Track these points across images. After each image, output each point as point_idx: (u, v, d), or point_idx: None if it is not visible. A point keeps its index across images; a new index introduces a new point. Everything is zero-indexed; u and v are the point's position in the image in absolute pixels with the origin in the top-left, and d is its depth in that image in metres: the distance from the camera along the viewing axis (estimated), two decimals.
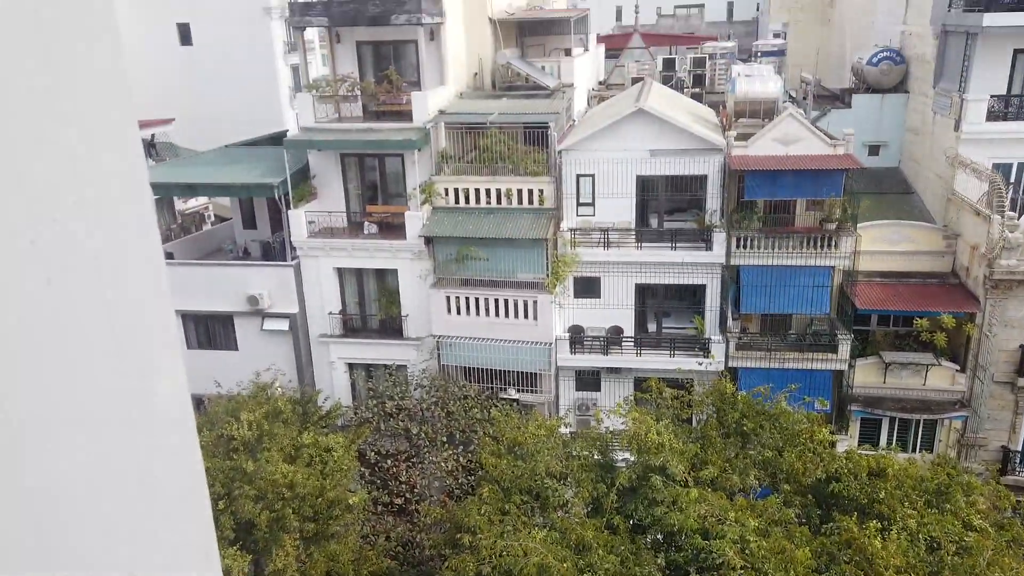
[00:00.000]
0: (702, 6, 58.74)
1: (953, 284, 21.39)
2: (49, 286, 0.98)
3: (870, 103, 27.38)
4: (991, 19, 21.49)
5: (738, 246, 21.22)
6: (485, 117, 22.44)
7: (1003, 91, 22.79)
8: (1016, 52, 22.50)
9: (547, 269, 21.74)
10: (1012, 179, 22.61)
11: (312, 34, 30.87)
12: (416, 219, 22.24)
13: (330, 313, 23.64)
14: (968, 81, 22.63)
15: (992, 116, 22.60)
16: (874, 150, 27.20)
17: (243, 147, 27.10)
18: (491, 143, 22.49)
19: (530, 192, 22.23)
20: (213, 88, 35.33)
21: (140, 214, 1.12)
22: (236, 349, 23.91)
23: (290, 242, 23.19)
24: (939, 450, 20.51)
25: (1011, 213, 20.51)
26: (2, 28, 0.89)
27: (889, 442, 20.92)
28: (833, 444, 16.39)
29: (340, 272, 23.61)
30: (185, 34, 36.52)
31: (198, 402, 21.24)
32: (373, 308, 24.00)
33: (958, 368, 20.94)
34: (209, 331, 24.09)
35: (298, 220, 22.83)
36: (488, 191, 22.37)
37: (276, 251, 24.75)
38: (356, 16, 22.47)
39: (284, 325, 23.51)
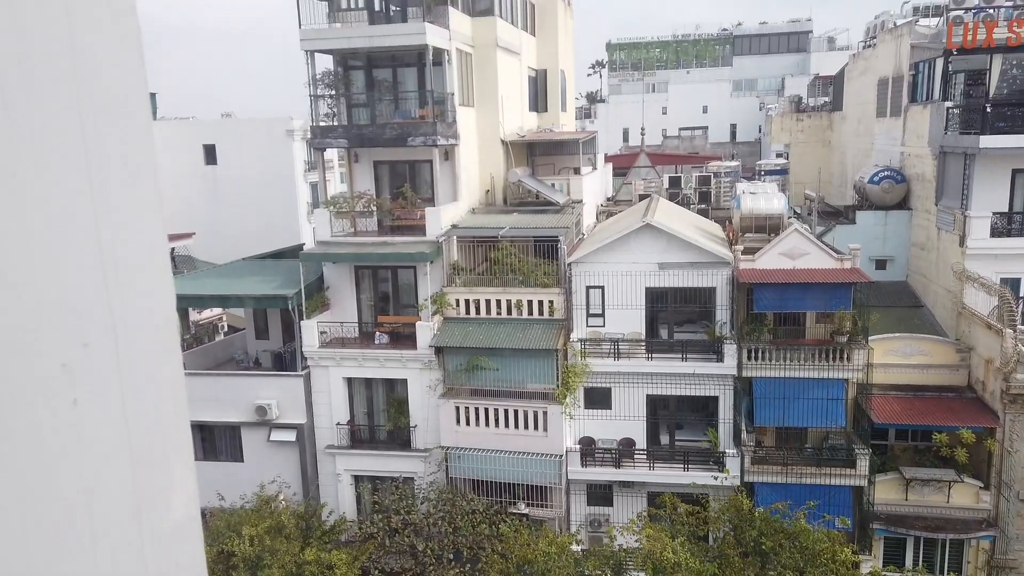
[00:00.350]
0: (706, 128, 61.39)
1: (970, 398, 21.05)
2: (75, 407, 1.01)
3: (874, 219, 27.97)
4: (988, 141, 22.24)
5: (749, 358, 21.13)
6: (496, 231, 23.04)
7: (1005, 208, 23.28)
8: (1015, 172, 23.14)
9: (557, 379, 21.64)
10: (1021, 294, 22.69)
11: (332, 154, 32.31)
12: (427, 329, 22.41)
13: (338, 424, 23.42)
14: (970, 199, 23.19)
15: (996, 232, 22.99)
16: (881, 264, 27.52)
17: (260, 260, 27.79)
18: (502, 256, 22.97)
19: (540, 303, 22.47)
20: (234, 204, 36.70)
21: (166, 334, 1.17)
22: (241, 460, 23.56)
23: (301, 352, 23.32)
24: (968, 572, 19.51)
25: (1023, 327, 20.45)
26: (46, 175, 0.96)
27: (915, 563, 19.96)
28: (856, 565, 15.67)
29: (349, 382, 23.58)
30: (210, 154, 38.32)
31: (200, 515, 20.68)
32: (381, 419, 23.77)
33: (982, 485, 20.26)
34: (215, 442, 23.84)
35: (310, 330, 23.05)
36: (499, 302, 22.65)
37: (287, 361, 24.85)
38: (375, 138, 23.59)
39: (291, 436, 23.27)
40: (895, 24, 33.47)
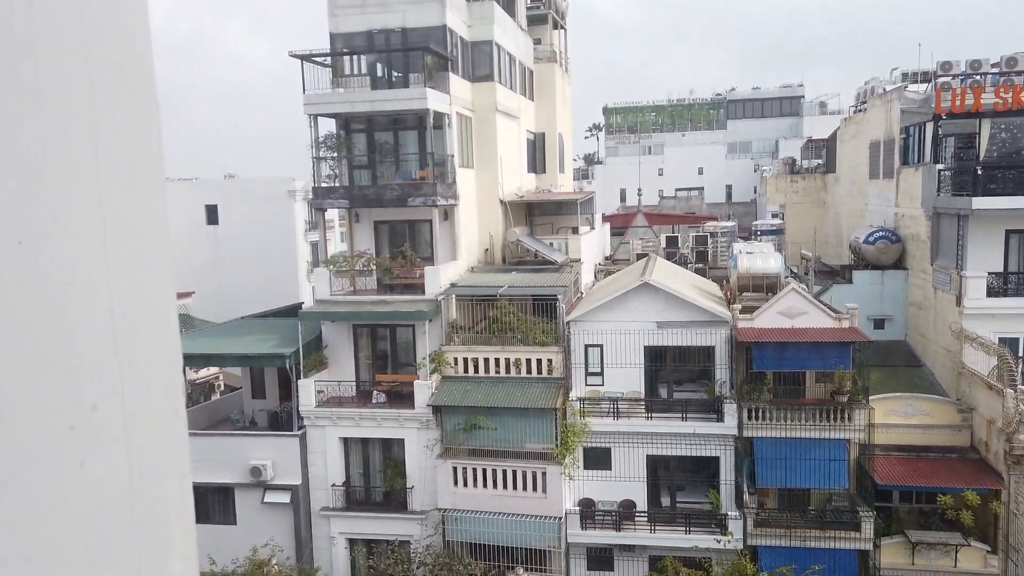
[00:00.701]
0: (702, 189, 62.33)
1: (973, 459, 20.78)
2: (82, 468, 1.02)
3: (871, 279, 28.12)
4: (980, 203, 22.53)
5: (750, 417, 20.95)
6: (495, 289, 23.14)
7: (1000, 268, 23.43)
8: (1008, 232, 23.37)
9: (556, 439, 21.40)
10: (1020, 353, 22.62)
11: (332, 213, 32.67)
12: (425, 388, 22.27)
13: (333, 485, 23.02)
14: (965, 259, 23.37)
15: (992, 292, 23.07)
16: (879, 324, 27.54)
17: (258, 319, 27.80)
18: (501, 314, 23.01)
19: (539, 362, 22.40)
20: (235, 263, 36.94)
21: (172, 396, 1.19)
22: (234, 523, 23.06)
23: (298, 411, 23.11)
24: None
25: (1023, 387, 20.34)
26: (62, 241, 1.00)
27: None
28: None
29: (346, 442, 23.29)
30: (212, 214, 38.74)
31: None
32: (377, 480, 23.39)
33: (989, 549, 19.82)
34: (207, 504, 23.38)
35: (307, 389, 22.89)
36: (497, 361, 22.57)
37: (283, 421, 24.59)
38: (376, 198, 23.93)
39: (286, 498, 22.84)
40: (884, 90, 34.33)
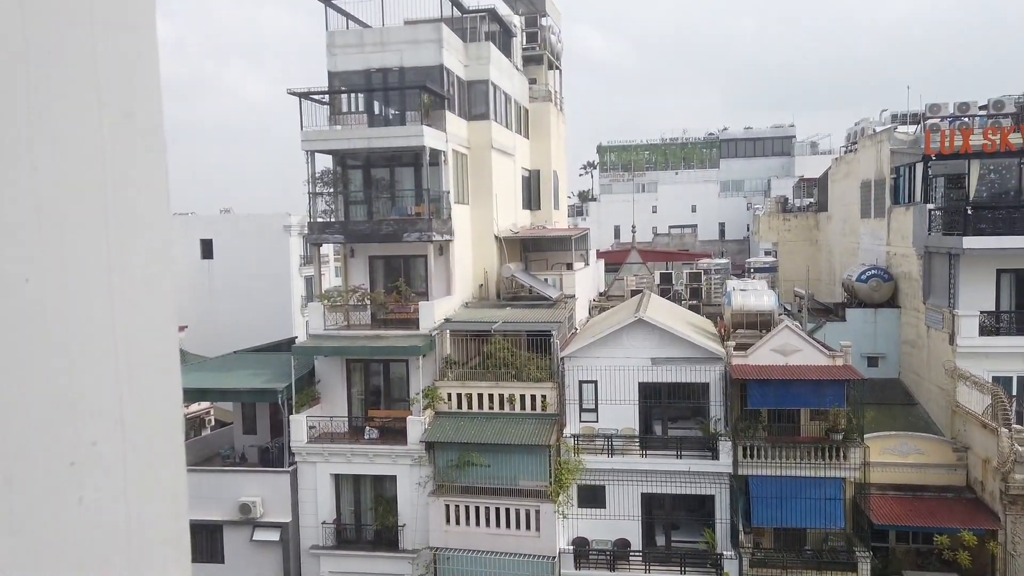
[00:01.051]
0: (695, 226, 62.83)
1: (970, 498, 20.64)
2: (80, 505, 1.02)
3: (864, 317, 28.20)
4: (971, 242, 22.72)
5: (745, 455, 20.82)
6: (490, 325, 23.13)
7: (992, 307, 23.55)
8: (999, 271, 23.54)
9: (551, 476, 21.19)
10: (1014, 392, 22.62)
11: (327, 248, 32.76)
12: (418, 424, 22.10)
13: (323, 523, 22.68)
14: (957, 298, 23.49)
15: (984, 331, 23.14)
16: (872, 362, 27.55)
17: (251, 353, 27.66)
18: (495, 349, 22.96)
19: (533, 398, 22.29)
20: (229, 297, 36.89)
21: (172, 433, 1.19)
22: (222, 562, 22.66)
23: (289, 447, 22.87)
24: None
25: (1018, 426, 20.28)
26: (69, 280, 1.01)
27: None
28: None
29: (337, 479, 23.01)
30: (207, 249, 38.79)
31: None
32: (369, 517, 23.06)
33: None
34: (195, 542, 22.90)
35: (299, 425, 22.69)
36: (491, 396, 22.46)
37: (274, 457, 24.32)
38: (371, 234, 24.04)
39: (275, 536, 22.48)
40: (874, 131, 34.85)
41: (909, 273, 27.16)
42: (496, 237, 28.01)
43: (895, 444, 21.58)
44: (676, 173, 67.05)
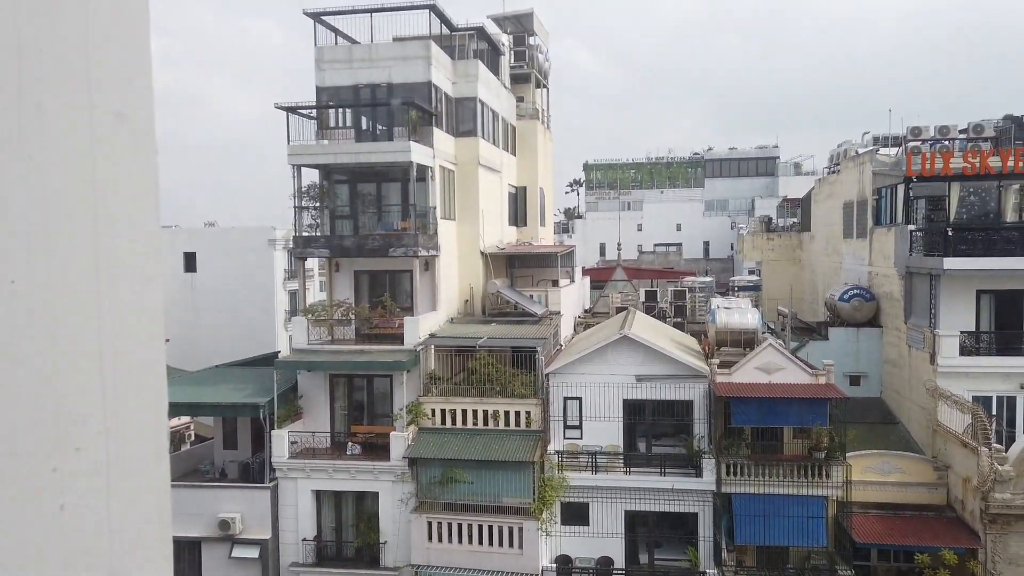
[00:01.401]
0: (680, 245, 63.27)
1: (950, 517, 20.76)
2: (62, 512, 1.01)
3: (846, 336, 28.43)
4: (951, 263, 22.99)
5: (728, 473, 20.84)
6: (475, 340, 23.10)
7: (972, 327, 23.81)
8: (979, 292, 23.84)
9: (534, 493, 21.09)
10: (994, 412, 22.84)
11: (312, 263, 32.63)
12: (401, 439, 21.96)
13: (304, 540, 22.42)
14: (938, 318, 23.73)
15: (965, 351, 23.38)
16: (855, 381, 27.74)
17: (233, 367, 27.42)
18: (480, 365, 22.91)
19: (517, 414, 22.23)
20: (212, 311, 36.60)
21: (156, 442, 1.17)
22: None
23: (270, 463, 22.63)
24: None
25: (998, 446, 20.46)
26: (57, 290, 1.01)
27: None
28: None
29: (318, 495, 22.78)
30: (190, 262, 38.52)
31: None
32: (350, 534, 22.82)
33: None
34: (173, 558, 22.59)
35: (280, 440, 22.48)
36: (475, 412, 22.38)
37: (254, 472, 24.05)
38: (357, 248, 23.99)
39: (254, 553, 22.19)
40: (857, 152, 35.33)
41: (891, 293, 27.44)
42: (482, 253, 28.04)
43: (877, 463, 21.69)
44: (661, 192, 67.56)
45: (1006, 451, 20.20)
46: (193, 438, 30.94)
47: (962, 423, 21.57)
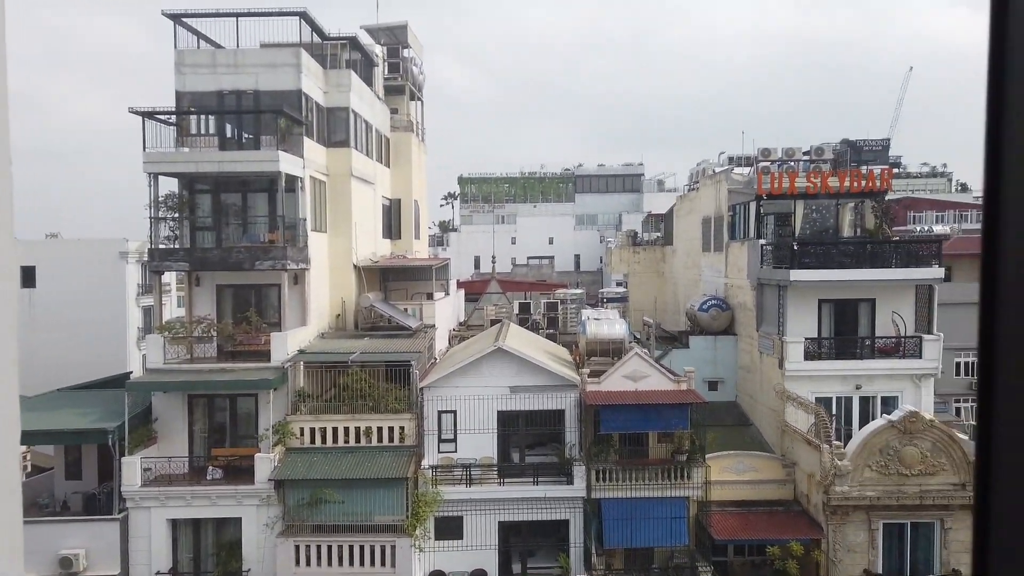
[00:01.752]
0: (552, 258, 64.89)
1: (797, 511, 22.35)
2: None
3: (705, 344, 30.06)
4: (796, 275, 24.84)
5: (598, 479, 21.45)
6: (347, 356, 22.55)
7: (815, 334, 25.81)
8: (821, 301, 25.89)
9: (408, 510, 20.78)
10: (834, 411, 24.83)
11: (170, 277, 30.80)
12: (267, 461, 21.02)
13: (158, 573, 20.93)
14: (785, 325, 25.57)
15: (809, 356, 25.29)
16: (713, 386, 29.35)
17: (78, 391, 25.27)
18: (352, 381, 22.38)
19: (391, 429, 21.88)
20: (53, 329, 33.62)
21: (9, 496, 1.08)
22: None
23: (119, 493, 21.01)
24: None
25: (837, 443, 22.25)
26: None
27: None
28: None
29: (175, 524, 21.36)
30: (28, 276, 35.31)
31: None
32: (210, 564, 21.54)
33: None
34: None
35: (132, 467, 20.92)
36: (347, 430, 21.81)
37: (102, 504, 22.22)
38: (219, 261, 22.85)
39: None
40: (714, 171, 37.59)
41: (744, 303, 29.29)
42: (355, 266, 27.50)
43: (732, 463, 23.03)
44: (534, 206, 69.12)
45: (844, 447, 22.01)
46: (29, 469, 28.20)
47: (807, 423, 23.32)
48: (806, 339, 25.32)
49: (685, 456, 21.82)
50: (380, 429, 21.82)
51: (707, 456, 22.09)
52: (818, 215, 27.95)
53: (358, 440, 21.70)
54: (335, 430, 21.78)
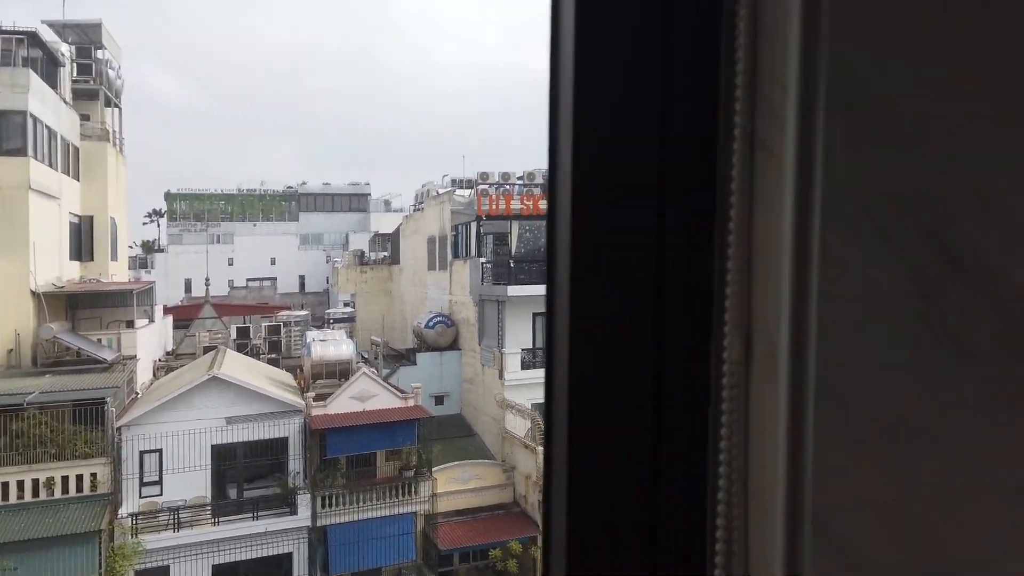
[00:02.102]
0: (275, 279, 62.00)
1: (516, 512, 23.76)
2: None
3: (432, 360, 30.82)
4: (513, 291, 26.61)
5: (324, 506, 20.86)
6: (21, 397, 19.43)
7: (530, 344, 27.80)
8: (535, 315, 27.93)
9: (100, 568, 18.33)
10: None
11: None
12: None
13: None
14: (504, 338, 27.18)
15: (525, 365, 27.15)
16: (439, 400, 30.18)
17: None
18: (29, 426, 19.28)
19: (79, 478, 19.17)
20: None
21: None
22: None
23: None
24: None
25: None
26: None
27: None
28: None
29: None
30: None
31: None
32: None
33: None
34: None
35: None
36: (21, 483, 18.69)
37: None
38: None
39: None
40: (438, 192, 38.86)
41: (467, 319, 30.62)
42: (34, 293, 23.87)
43: (457, 473, 23.83)
44: (254, 225, 65.50)
45: None
46: None
47: (524, 428, 24.94)
48: (522, 350, 27.16)
49: (413, 471, 22.11)
50: (66, 478, 19.02)
51: (434, 469, 22.60)
52: (531, 235, 30.21)
53: (37, 494, 18.70)
54: (5, 485, 18.55)
